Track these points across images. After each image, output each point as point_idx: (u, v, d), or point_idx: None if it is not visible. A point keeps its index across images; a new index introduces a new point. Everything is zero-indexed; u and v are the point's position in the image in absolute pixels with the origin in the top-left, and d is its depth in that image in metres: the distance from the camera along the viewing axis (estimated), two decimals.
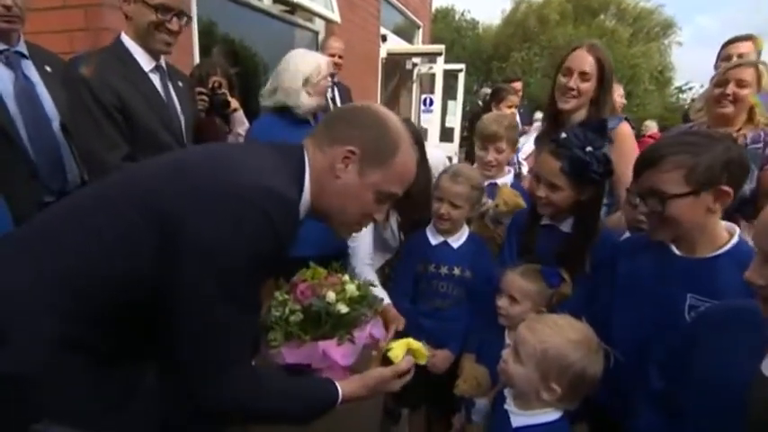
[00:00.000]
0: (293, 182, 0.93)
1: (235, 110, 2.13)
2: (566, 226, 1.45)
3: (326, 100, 2.28)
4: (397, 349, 1.10)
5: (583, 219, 1.41)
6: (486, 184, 1.91)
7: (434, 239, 1.68)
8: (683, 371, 0.91)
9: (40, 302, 0.79)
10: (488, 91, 5.42)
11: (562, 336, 1.03)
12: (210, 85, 2.08)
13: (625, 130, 1.74)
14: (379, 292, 1.43)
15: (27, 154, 1.57)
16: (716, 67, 2.19)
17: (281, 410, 0.93)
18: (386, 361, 1.09)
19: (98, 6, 2.07)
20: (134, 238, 0.81)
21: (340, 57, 3.20)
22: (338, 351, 1.07)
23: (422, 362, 1.13)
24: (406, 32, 6.84)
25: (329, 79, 2.10)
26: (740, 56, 2.06)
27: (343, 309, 1.10)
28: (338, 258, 1.47)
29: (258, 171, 0.87)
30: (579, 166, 1.31)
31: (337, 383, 0.98)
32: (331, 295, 1.11)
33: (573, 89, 1.71)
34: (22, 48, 1.62)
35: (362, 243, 1.74)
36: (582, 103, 1.74)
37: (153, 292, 0.81)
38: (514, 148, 1.98)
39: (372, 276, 1.64)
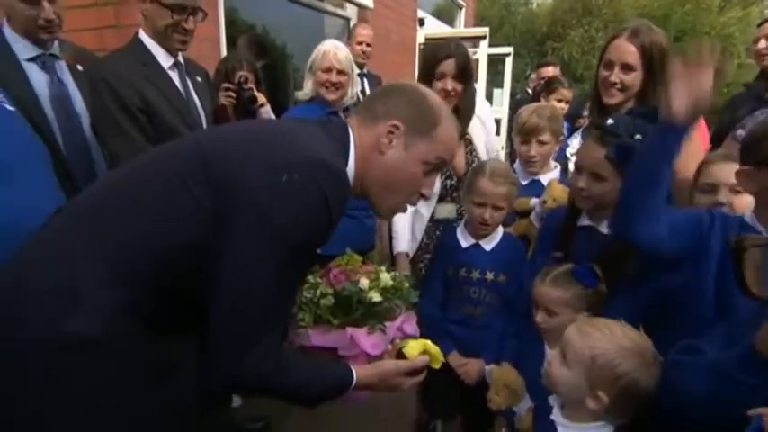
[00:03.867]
0: (339, 158, 1.01)
1: (262, 105, 2.22)
2: (606, 228, 1.43)
3: (356, 94, 2.34)
4: (413, 348, 1.15)
5: None
6: (529, 180, 1.94)
7: (465, 242, 1.70)
8: None
9: (99, 274, 0.88)
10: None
11: (614, 342, 1.01)
12: (237, 80, 2.18)
13: None
14: None
15: (62, 156, 1.72)
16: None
17: (298, 389, 0.99)
18: (399, 358, 1.14)
19: (128, 4, 2.26)
20: (187, 207, 0.89)
21: (368, 45, 3.27)
22: (368, 340, 1.12)
23: (436, 366, 1.18)
24: (446, 14, 6.83)
25: (338, 75, 2.16)
26: None
27: (376, 297, 1.14)
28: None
29: (310, 145, 0.95)
30: (627, 153, 1.28)
31: (352, 368, 1.05)
32: (364, 282, 1.15)
33: (616, 83, 1.64)
34: (56, 50, 1.79)
35: (405, 224, 1.84)
36: (629, 96, 1.66)
37: (204, 262, 0.89)
38: (558, 140, 1.95)
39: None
